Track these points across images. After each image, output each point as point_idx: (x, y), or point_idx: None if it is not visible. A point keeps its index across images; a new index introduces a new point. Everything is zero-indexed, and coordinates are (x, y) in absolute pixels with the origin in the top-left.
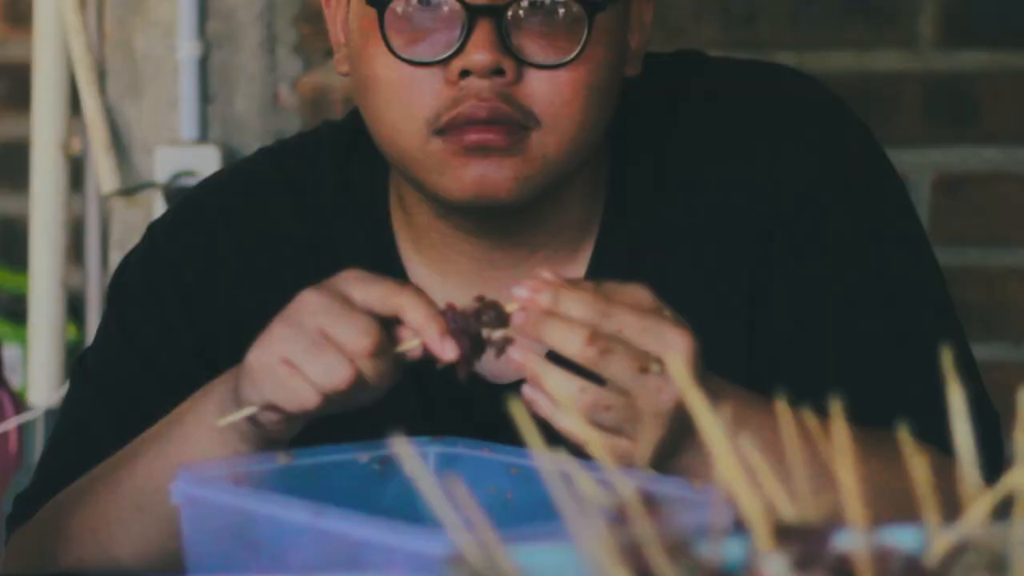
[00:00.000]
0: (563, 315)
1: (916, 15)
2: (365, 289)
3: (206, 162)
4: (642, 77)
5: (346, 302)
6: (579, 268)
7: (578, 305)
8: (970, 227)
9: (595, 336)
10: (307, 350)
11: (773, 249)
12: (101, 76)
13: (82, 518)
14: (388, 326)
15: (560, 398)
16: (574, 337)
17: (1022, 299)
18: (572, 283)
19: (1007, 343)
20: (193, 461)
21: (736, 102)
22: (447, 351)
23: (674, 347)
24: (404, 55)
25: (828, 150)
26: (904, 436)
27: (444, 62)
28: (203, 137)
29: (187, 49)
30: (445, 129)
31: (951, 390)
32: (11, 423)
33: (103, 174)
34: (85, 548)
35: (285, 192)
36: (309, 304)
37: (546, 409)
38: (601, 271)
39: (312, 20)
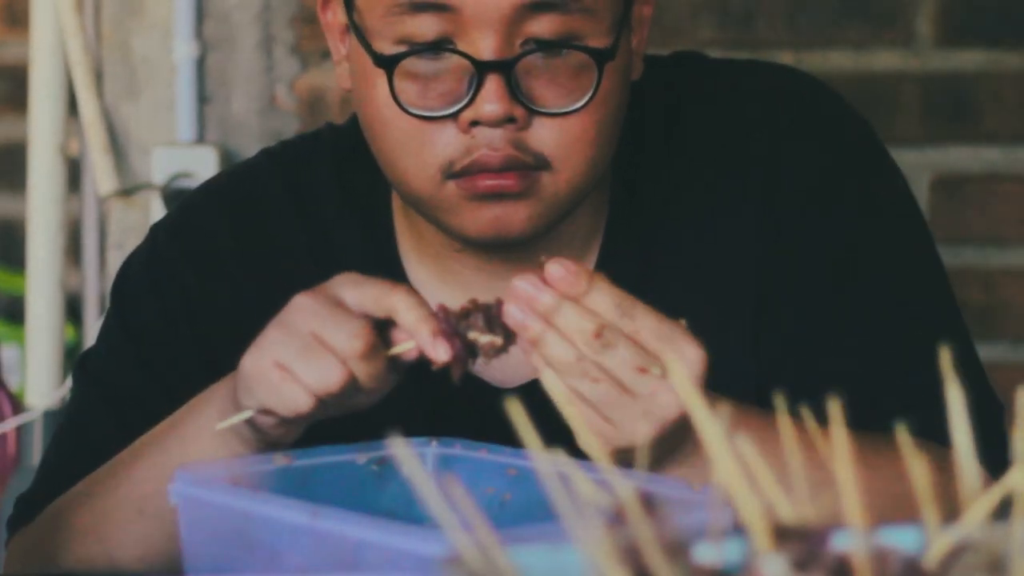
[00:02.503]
0: (584, 306)
1: (914, 15)
2: (358, 291)
3: (203, 163)
4: (642, 80)
5: (338, 305)
6: None
7: (604, 299)
8: (969, 227)
9: (601, 331)
10: (299, 354)
11: (777, 247)
12: (99, 77)
13: (82, 520)
14: (384, 328)
15: (552, 358)
16: (584, 324)
17: (1021, 299)
18: (593, 277)
19: (1006, 343)
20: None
21: (736, 101)
22: (439, 352)
23: (685, 357)
24: (414, 109)
25: (829, 147)
26: (904, 437)
27: (454, 115)
28: (200, 138)
29: (184, 50)
30: (459, 174)
31: (950, 389)
32: (9, 424)
33: (101, 175)
34: (85, 550)
35: (287, 194)
36: (302, 308)
37: (537, 361)
38: (607, 276)
39: (309, 21)
